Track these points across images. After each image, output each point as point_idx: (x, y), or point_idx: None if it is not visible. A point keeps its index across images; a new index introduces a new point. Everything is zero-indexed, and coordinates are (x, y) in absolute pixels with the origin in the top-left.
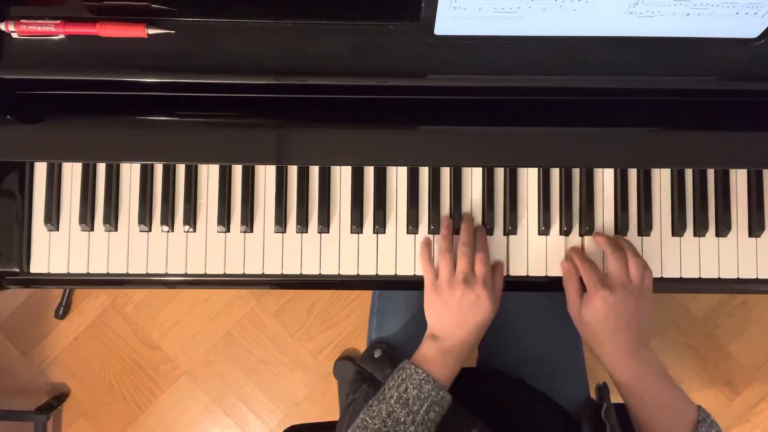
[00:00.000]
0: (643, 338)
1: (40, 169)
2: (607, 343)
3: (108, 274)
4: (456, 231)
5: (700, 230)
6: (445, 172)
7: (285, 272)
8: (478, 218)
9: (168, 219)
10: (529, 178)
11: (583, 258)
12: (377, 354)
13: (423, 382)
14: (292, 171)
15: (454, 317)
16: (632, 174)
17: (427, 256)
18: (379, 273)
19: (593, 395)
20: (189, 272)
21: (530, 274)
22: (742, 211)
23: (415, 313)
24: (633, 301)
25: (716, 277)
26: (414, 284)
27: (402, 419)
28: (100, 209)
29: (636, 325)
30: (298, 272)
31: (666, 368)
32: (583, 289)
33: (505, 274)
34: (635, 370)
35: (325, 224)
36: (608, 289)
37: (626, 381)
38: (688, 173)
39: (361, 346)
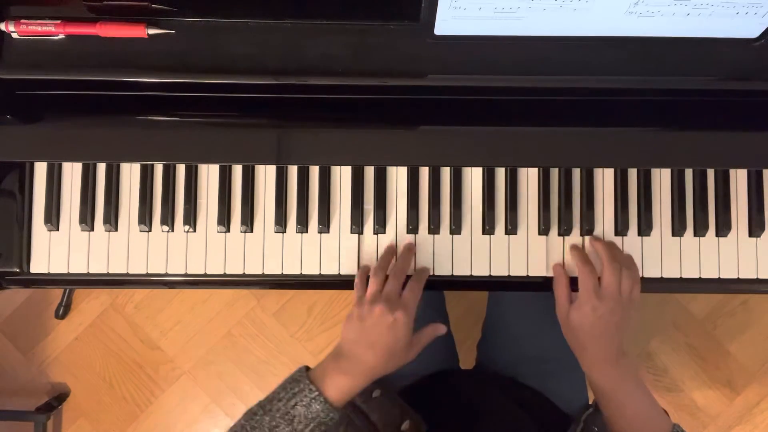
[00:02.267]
0: (624, 347)
1: (40, 169)
2: (589, 348)
3: (108, 274)
4: None
5: (700, 230)
6: (445, 172)
7: (285, 272)
8: (479, 218)
9: (168, 219)
10: (529, 178)
11: (584, 261)
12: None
13: (313, 401)
14: (292, 171)
15: (365, 335)
16: (632, 174)
17: (362, 273)
18: None
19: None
20: (189, 272)
21: (530, 274)
22: (742, 211)
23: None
24: (620, 313)
25: (716, 277)
26: None
27: None
28: (100, 209)
29: (619, 335)
30: (298, 272)
31: (644, 381)
32: (574, 289)
33: (506, 273)
34: (613, 376)
35: (325, 224)
36: (600, 299)
37: (603, 386)
38: (688, 173)
39: None
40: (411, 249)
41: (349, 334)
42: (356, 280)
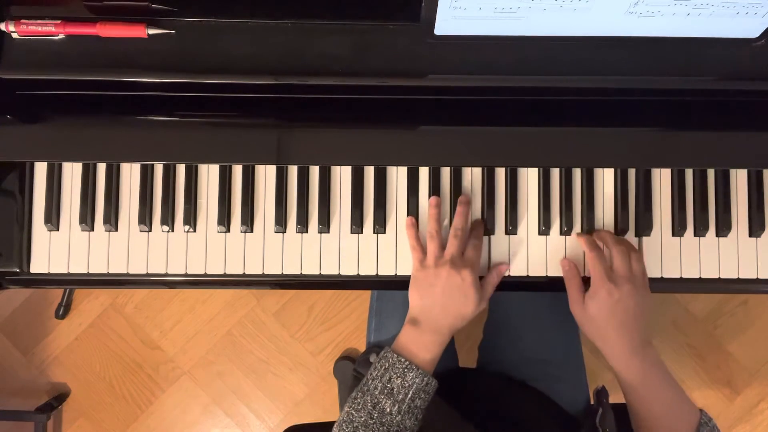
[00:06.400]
0: (647, 335)
1: (40, 169)
2: (612, 339)
3: (108, 274)
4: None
5: (700, 230)
6: (445, 172)
7: (285, 272)
8: (477, 216)
9: (168, 219)
10: (529, 178)
11: (592, 246)
12: (372, 358)
13: (406, 370)
14: (292, 171)
15: (437, 300)
16: (632, 174)
17: (414, 233)
18: (379, 273)
19: (593, 398)
20: (189, 272)
21: (530, 274)
22: (742, 211)
23: None
24: (638, 296)
25: (716, 277)
26: None
27: (388, 410)
28: (100, 209)
29: (641, 321)
30: (298, 272)
31: (668, 369)
32: (585, 283)
33: (506, 274)
34: (640, 367)
35: (325, 224)
36: (614, 283)
37: (631, 378)
38: (688, 173)
39: (361, 346)
40: (467, 203)
41: (420, 300)
42: (411, 242)
